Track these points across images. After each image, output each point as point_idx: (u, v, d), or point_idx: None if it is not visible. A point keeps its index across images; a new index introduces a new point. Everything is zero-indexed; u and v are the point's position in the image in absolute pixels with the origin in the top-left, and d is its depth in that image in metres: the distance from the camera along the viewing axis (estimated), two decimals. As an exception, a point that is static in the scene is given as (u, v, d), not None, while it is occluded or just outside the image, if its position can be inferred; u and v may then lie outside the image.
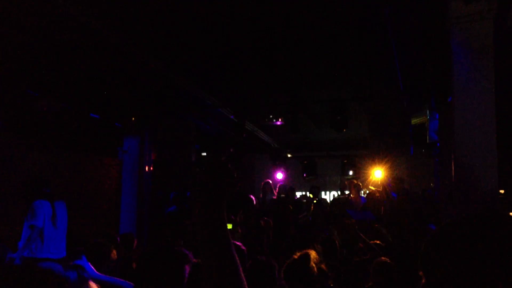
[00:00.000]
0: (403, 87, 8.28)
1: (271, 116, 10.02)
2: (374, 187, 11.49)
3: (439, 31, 5.46)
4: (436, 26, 5.57)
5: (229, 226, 6.87)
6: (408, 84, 8.20)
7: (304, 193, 14.49)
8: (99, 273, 3.10)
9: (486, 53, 4.64)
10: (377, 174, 13.26)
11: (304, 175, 15.27)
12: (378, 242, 5.46)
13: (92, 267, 3.08)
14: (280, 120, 9.99)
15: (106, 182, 11.19)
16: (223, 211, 1.26)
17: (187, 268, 2.31)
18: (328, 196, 15.14)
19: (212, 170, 1.31)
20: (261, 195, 12.29)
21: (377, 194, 10.07)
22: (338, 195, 12.22)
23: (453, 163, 4.83)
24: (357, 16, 5.81)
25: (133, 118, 9.63)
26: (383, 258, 4.12)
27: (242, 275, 1.19)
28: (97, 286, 2.91)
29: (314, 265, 2.97)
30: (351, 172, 14.48)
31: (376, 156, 13.67)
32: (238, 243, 3.50)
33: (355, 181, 10.31)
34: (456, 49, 4.72)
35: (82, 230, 7.77)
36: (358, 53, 7.02)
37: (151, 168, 9.90)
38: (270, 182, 12.92)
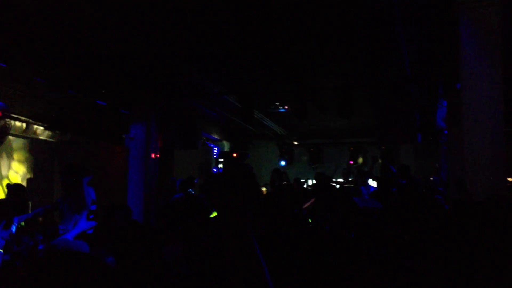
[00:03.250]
0: (411, 74, 8.21)
1: (277, 104, 9.98)
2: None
3: (447, 16, 5.39)
4: (444, 11, 5.50)
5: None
6: (415, 71, 8.13)
7: (311, 181, 14.51)
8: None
9: (494, 39, 4.59)
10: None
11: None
12: None
13: None
14: (286, 107, 9.95)
15: (113, 169, 11.24)
16: (245, 216, 1.25)
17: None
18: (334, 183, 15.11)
19: (236, 174, 1.29)
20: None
21: None
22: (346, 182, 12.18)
23: (461, 150, 4.80)
24: (364, 1, 5.74)
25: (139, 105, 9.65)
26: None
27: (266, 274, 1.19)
28: None
29: None
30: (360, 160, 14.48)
31: (383, 143, 13.65)
32: None
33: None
34: (464, 35, 4.67)
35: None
36: (365, 39, 6.95)
37: (158, 155, 9.92)
38: (279, 169, 12.96)
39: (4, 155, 11.34)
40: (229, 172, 1.30)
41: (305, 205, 6.87)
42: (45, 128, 10.73)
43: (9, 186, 6.04)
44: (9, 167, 11.60)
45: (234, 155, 9.98)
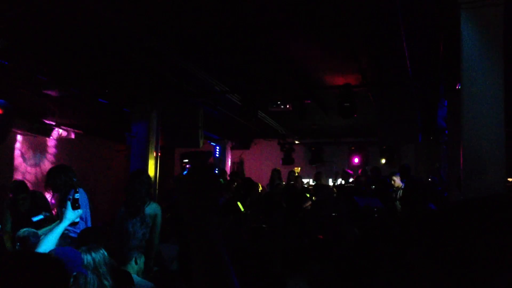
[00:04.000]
0: (412, 74, 8.23)
1: (278, 102, 10.00)
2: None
3: (448, 15, 5.41)
4: (445, 11, 5.52)
5: (241, 207, 6.92)
6: (416, 70, 8.15)
7: (311, 180, 14.54)
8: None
9: (496, 40, 4.60)
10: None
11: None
12: None
13: None
14: (288, 106, 9.97)
15: (115, 166, 11.28)
16: (211, 218, 1.25)
17: None
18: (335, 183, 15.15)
19: (198, 176, 1.29)
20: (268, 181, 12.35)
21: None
22: (345, 182, 12.23)
23: (461, 150, 4.81)
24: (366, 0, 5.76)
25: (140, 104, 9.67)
26: None
27: (233, 279, 1.21)
28: None
29: None
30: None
31: (384, 143, 13.67)
32: None
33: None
34: (465, 34, 4.68)
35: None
36: (367, 38, 6.97)
37: (159, 154, 9.94)
38: (279, 169, 13.00)
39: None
40: (192, 174, 1.30)
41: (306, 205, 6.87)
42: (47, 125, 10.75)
43: (13, 183, 6.11)
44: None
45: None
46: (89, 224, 5.42)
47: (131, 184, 5.70)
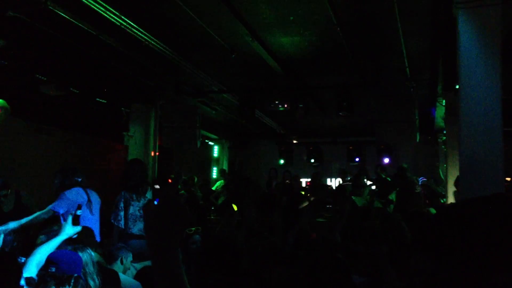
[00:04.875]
0: (410, 74, 8.24)
1: (277, 102, 9.99)
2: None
3: (446, 15, 5.41)
4: (443, 11, 5.51)
5: (234, 207, 6.92)
6: (414, 70, 8.15)
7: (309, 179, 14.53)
8: None
9: (493, 40, 4.59)
10: (384, 160, 13.28)
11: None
12: None
13: None
14: (286, 105, 9.96)
15: (112, 166, 11.26)
16: (176, 252, 1.27)
17: None
18: (334, 182, 15.15)
19: (168, 208, 1.30)
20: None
21: None
22: (343, 181, 12.22)
23: (459, 150, 4.81)
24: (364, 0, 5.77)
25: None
26: None
27: None
28: None
29: None
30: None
31: (382, 142, 13.68)
32: None
33: None
34: (463, 35, 4.68)
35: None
36: (365, 38, 6.97)
37: (157, 154, 9.93)
38: (276, 169, 13.01)
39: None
40: (162, 206, 1.31)
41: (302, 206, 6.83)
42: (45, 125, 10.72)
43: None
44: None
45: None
46: (97, 232, 5.33)
47: (131, 168, 5.71)
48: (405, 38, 6.59)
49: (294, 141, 15.87)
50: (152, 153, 9.80)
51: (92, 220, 5.33)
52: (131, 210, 5.47)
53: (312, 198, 7.23)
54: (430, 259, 1.08)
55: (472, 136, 4.66)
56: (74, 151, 10.96)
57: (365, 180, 10.24)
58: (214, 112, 11.18)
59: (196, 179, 11.57)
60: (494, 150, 4.55)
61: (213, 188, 12.30)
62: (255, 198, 8.18)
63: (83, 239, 3.66)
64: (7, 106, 6.66)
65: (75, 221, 3.52)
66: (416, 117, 11.36)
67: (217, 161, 16.02)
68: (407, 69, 7.96)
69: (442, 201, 9.22)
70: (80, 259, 2.84)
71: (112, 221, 5.37)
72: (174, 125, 9.59)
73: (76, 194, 5.21)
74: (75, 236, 3.54)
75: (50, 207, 5.03)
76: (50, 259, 2.70)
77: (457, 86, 5.11)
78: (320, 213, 8.47)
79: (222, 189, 11.38)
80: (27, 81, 7.92)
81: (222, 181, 12.95)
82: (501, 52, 4.59)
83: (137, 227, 5.40)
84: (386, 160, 13.78)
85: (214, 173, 15.37)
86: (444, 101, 8.98)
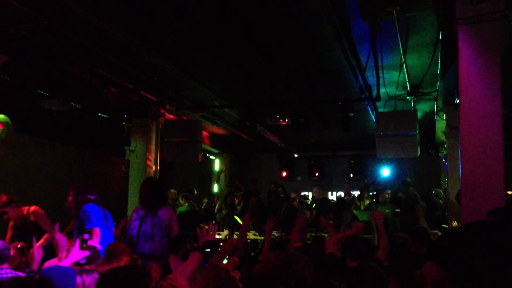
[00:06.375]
0: (410, 88, 8.27)
1: (277, 116, 10.01)
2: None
3: (447, 31, 5.45)
4: (443, 25, 5.56)
5: (239, 221, 6.91)
6: (415, 85, 8.18)
7: (308, 193, 14.52)
8: None
9: (493, 55, 4.63)
10: (385, 173, 13.24)
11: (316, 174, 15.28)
12: None
13: None
14: (287, 120, 9.97)
15: (114, 181, 11.24)
16: None
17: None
18: (335, 196, 15.11)
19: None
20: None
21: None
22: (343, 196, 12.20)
23: (460, 165, 4.82)
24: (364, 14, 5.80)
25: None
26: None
27: None
28: None
29: None
30: None
31: (382, 156, 13.64)
32: None
33: None
34: (463, 50, 4.71)
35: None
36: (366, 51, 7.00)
37: (158, 168, 9.93)
38: (276, 183, 13.01)
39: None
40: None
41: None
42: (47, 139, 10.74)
43: None
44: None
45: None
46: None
47: (143, 187, 5.74)
48: (404, 52, 6.62)
49: (295, 155, 15.85)
50: (154, 167, 9.79)
51: (110, 236, 5.34)
52: (144, 227, 5.47)
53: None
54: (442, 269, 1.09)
55: (473, 150, 4.67)
56: (76, 165, 10.96)
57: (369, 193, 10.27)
58: (215, 126, 11.22)
59: (195, 191, 11.56)
60: (495, 164, 4.56)
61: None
62: (255, 211, 8.16)
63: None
64: (9, 121, 6.68)
65: (82, 245, 3.52)
66: (417, 131, 11.35)
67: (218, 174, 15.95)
68: (408, 83, 8.00)
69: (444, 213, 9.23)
70: (73, 273, 2.84)
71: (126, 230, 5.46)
72: (175, 139, 9.58)
73: (93, 210, 5.22)
74: (82, 261, 3.54)
75: (89, 226, 5.00)
76: (42, 275, 2.70)
77: (457, 100, 5.13)
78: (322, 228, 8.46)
79: (221, 202, 11.35)
80: (29, 96, 7.96)
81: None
82: (501, 66, 4.62)
83: (148, 246, 5.39)
84: (387, 173, 13.76)
85: (216, 187, 15.31)
86: (444, 115, 9.00)
